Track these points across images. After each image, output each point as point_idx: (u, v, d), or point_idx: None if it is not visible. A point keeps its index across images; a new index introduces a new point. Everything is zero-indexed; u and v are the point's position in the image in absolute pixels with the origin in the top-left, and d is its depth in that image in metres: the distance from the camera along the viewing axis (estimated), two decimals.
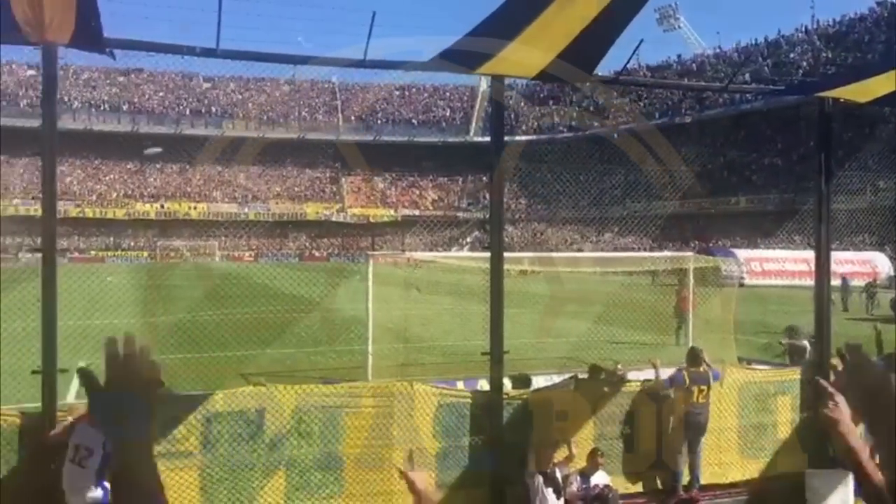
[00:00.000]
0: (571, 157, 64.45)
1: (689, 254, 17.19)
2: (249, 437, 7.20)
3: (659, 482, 8.47)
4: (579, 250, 57.86)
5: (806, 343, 11.20)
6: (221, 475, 7.09)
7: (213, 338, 17.10)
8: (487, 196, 77.61)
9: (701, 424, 8.46)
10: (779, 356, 11.62)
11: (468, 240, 78.99)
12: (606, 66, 7.79)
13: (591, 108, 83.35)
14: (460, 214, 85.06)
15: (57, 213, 6.68)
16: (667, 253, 20.50)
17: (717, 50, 80.00)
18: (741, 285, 32.46)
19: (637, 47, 7.65)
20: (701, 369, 8.55)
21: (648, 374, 9.03)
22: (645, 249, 47.10)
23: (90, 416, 6.49)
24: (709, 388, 8.50)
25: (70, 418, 6.56)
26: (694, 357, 8.68)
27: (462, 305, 18.63)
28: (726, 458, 8.82)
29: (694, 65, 78.79)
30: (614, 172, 62.57)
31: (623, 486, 8.15)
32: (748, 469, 8.83)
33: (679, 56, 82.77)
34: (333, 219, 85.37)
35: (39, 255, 6.60)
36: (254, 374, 14.17)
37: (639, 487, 8.35)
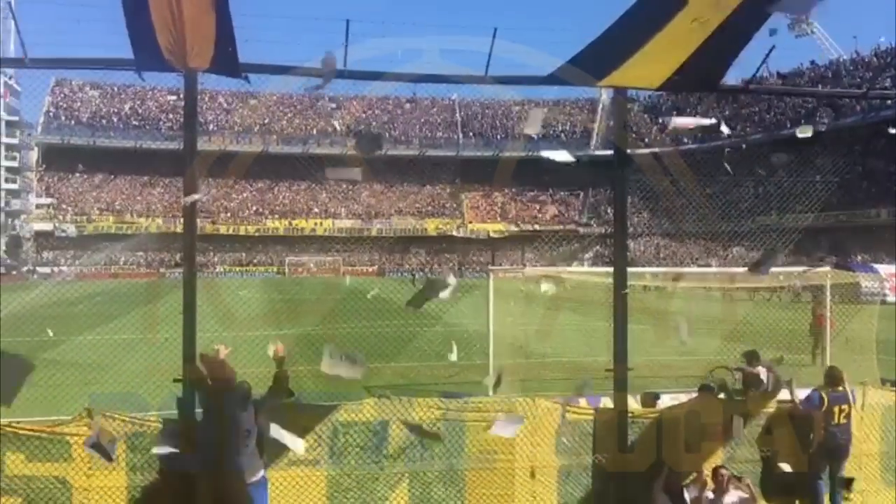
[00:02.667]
0: (697, 169, 62.56)
1: (826, 269, 16.29)
2: (374, 448, 7.35)
3: None
4: (706, 265, 55.96)
5: (762, 370, 9.83)
6: (348, 484, 7.26)
7: (339, 350, 17.52)
8: (608, 210, 76.40)
9: (842, 447, 7.97)
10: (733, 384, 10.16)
11: (589, 255, 77.98)
12: (734, 75, 7.56)
13: (718, 119, 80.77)
14: (581, 229, 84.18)
15: (196, 231, 7.05)
16: (801, 268, 19.52)
17: (854, 55, 75.92)
18: (883, 302, 30.53)
19: (768, 54, 7.36)
20: (840, 389, 8.08)
21: (783, 394, 8.62)
22: (777, 265, 45.18)
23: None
24: (850, 407, 8.02)
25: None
26: (833, 377, 8.21)
27: (584, 321, 18.40)
28: (868, 486, 8.29)
29: (829, 71, 75.07)
30: (743, 185, 60.35)
31: None
32: (891, 499, 8.27)
33: (812, 62, 79.08)
34: (454, 234, 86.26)
35: (180, 269, 6.98)
36: (377, 386, 14.43)
37: None
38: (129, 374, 13.17)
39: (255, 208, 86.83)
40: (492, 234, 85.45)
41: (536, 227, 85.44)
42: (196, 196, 6.76)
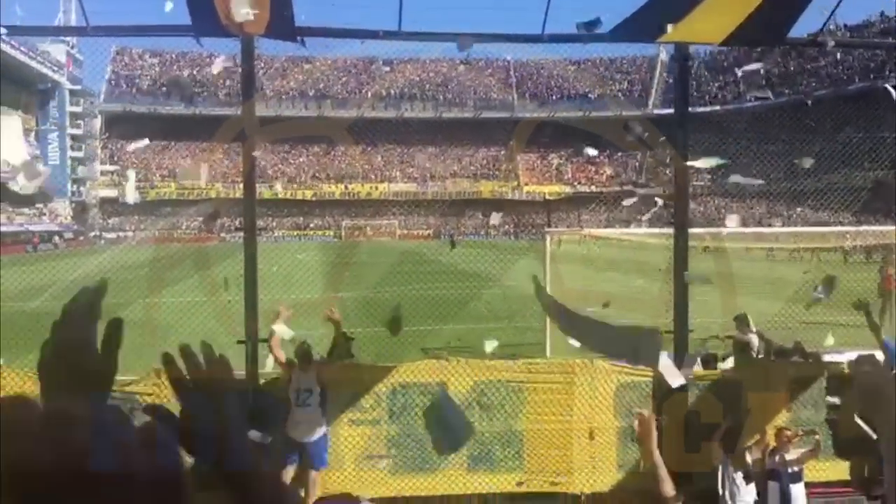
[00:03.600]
0: (760, 127, 60.88)
1: (894, 228, 15.78)
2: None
3: (866, 470, 7.88)
4: (768, 226, 54.79)
5: (753, 337, 9.36)
6: (407, 444, 7.38)
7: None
8: (667, 171, 74.79)
9: None
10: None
11: (646, 216, 76.91)
12: (799, 29, 7.30)
13: (782, 75, 78.33)
14: (638, 190, 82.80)
15: (255, 195, 7.15)
16: (869, 227, 18.98)
17: None
18: None
19: (836, 7, 7.08)
20: None
21: (851, 356, 8.40)
22: (843, 224, 43.92)
23: (301, 364, 7.07)
24: None
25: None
26: None
27: (643, 283, 18.21)
28: None
29: None
30: (808, 142, 58.54)
31: (825, 472, 7.67)
32: None
33: (882, 13, 75.74)
34: (509, 197, 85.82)
35: (241, 233, 7.11)
36: (435, 348, 14.55)
37: (842, 475, 7.81)
38: (194, 335, 13.51)
39: (311, 172, 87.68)
40: (547, 196, 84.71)
41: (593, 188, 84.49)
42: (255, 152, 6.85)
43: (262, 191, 77.85)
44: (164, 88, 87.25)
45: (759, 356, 9.04)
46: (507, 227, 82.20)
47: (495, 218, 66.80)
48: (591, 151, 68.77)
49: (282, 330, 7.02)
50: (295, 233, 79.09)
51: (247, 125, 6.83)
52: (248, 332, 6.77)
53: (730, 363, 9.05)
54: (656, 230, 20.85)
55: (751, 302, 18.32)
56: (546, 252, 15.19)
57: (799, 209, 61.22)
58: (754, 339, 9.36)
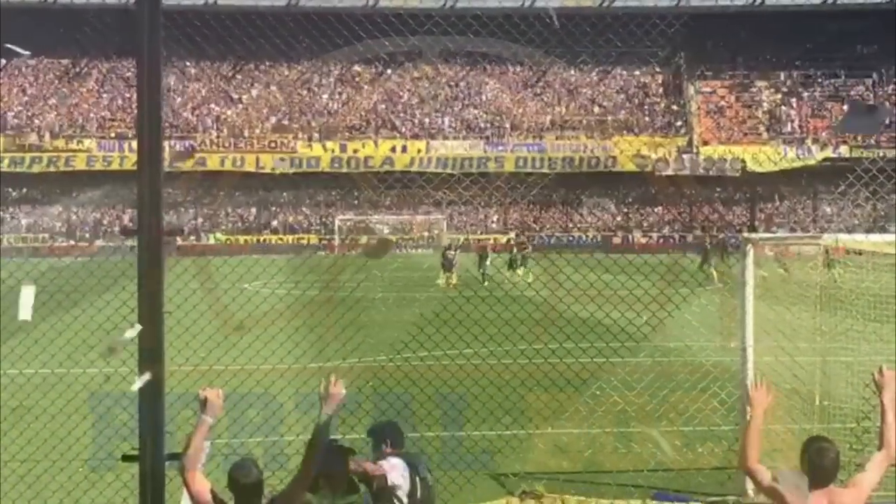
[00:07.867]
0: None
1: None
2: None
3: None
4: None
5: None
6: None
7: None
8: None
9: None
10: None
11: None
12: None
13: None
14: None
15: (162, 165, 7.13)
16: None
17: None
18: None
19: None
20: None
21: None
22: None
23: None
24: None
25: None
26: None
27: None
28: None
29: None
30: None
31: None
32: None
33: None
34: (671, 167, 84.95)
35: (132, 241, 7.10)
36: (516, 474, 14.43)
37: None
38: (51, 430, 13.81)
39: (273, 119, 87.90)
40: (750, 167, 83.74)
41: (840, 150, 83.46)
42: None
43: (182, 155, 78.34)
44: None
45: None
46: (663, 223, 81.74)
47: None
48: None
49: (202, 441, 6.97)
50: (242, 239, 79.47)
51: (145, 18, 6.86)
52: (143, 440, 6.75)
53: None
54: None
55: None
56: (746, 282, 14.95)
57: None
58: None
